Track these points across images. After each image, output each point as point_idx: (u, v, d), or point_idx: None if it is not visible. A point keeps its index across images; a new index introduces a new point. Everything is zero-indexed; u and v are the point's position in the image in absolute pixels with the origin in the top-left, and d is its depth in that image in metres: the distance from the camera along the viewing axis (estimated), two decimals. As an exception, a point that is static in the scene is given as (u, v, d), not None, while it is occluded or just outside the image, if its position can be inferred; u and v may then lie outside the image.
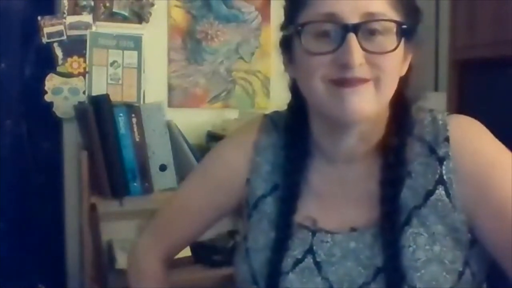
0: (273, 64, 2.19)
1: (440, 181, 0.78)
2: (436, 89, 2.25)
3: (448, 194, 0.77)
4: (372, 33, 0.73)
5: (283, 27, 0.82)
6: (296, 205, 0.84)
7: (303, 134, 0.86)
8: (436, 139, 0.79)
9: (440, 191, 0.77)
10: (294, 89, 0.85)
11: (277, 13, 2.16)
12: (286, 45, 0.81)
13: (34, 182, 1.97)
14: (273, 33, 2.19)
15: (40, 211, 1.97)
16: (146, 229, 1.06)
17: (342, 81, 0.73)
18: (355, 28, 0.71)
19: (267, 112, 0.97)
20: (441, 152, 0.78)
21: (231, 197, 0.94)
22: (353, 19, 0.72)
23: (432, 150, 0.79)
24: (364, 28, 0.72)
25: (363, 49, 0.72)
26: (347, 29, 0.71)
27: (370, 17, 0.72)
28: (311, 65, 0.75)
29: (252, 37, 2.19)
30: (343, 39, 0.72)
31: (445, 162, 0.78)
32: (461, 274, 0.76)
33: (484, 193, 0.76)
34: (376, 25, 0.73)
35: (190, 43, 2.09)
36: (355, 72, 0.72)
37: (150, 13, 1.99)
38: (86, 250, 1.73)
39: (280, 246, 0.82)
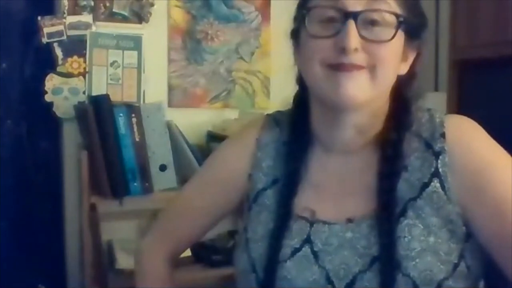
0: (273, 64, 2.19)
1: (436, 174, 0.80)
2: (436, 89, 2.25)
3: (443, 187, 0.79)
4: (373, 23, 0.77)
5: (295, 19, 0.86)
6: (295, 197, 0.86)
7: (304, 126, 0.89)
8: (433, 135, 0.82)
9: (435, 183, 0.80)
10: (301, 81, 0.88)
11: (277, 13, 2.20)
12: (296, 36, 0.85)
13: (34, 182, 1.97)
14: (273, 33, 2.19)
15: (40, 211, 1.97)
16: (151, 229, 1.08)
17: (339, 66, 0.77)
18: (355, 16, 0.76)
19: (267, 112, 1.00)
20: (437, 147, 0.81)
21: (234, 195, 0.97)
22: (356, 7, 0.76)
23: (429, 146, 0.82)
24: (365, 17, 0.76)
25: (361, 36, 0.76)
26: (347, 15, 0.76)
27: (374, 5, 0.76)
28: (312, 48, 0.79)
29: (252, 37, 2.19)
30: (343, 25, 0.76)
31: (440, 156, 0.80)
32: (455, 266, 0.78)
33: (479, 189, 0.78)
34: (377, 16, 0.77)
35: (190, 43, 2.09)
36: (351, 58, 0.76)
37: (150, 13, 1.99)
38: (86, 250, 1.73)
39: (278, 235, 0.84)
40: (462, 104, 2.17)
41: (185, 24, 2.08)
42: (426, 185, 0.80)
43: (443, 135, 0.81)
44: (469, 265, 0.79)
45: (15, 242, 1.94)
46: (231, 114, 2.10)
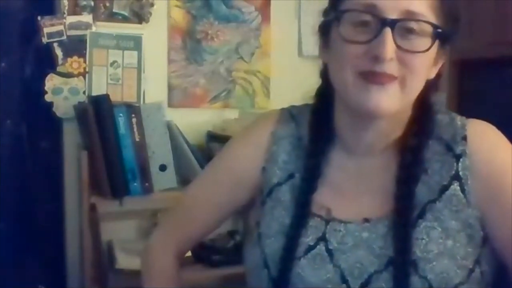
0: (273, 64, 2.19)
1: (456, 177, 0.79)
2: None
3: (463, 190, 0.79)
4: (409, 31, 0.75)
5: (325, 12, 0.84)
6: (312, 195, 0.85)
7: (326, 123, 0.88)
8: (454, 138, 0.81)
9: (455, 186, 0.79)
10: (325, 75, 0.86)
11: (277, 13, 2.20)
12: (325, 30, 0.83)
13: (34, 182, 1.97)
14: (273, 33, 2.19)
15: (40, 211, 1.97)
16: (159, 226, 1.07)
17: (371, 75, 0.74)
18: (393, 23, 0.73)
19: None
20: (458, 149, 0.80)
21: (247, 191, 0.95)
22: (392, 15, 0.73)
23: (449, 148, 0.81)
24: (401, 25, 0.74)
25: (397, 45, 0.74)
26: (384, 22, 0.73)
27: (410, 15, 0.74)
28: (345, 53, 0.77)
29: (252, 37, 2.18)
30: (379, 32, 0.73)
31: (461, 159, 0.80)
32: (471, 272, 0.77)
33: (497, 193, 0.78)
34: (413, 25, 0.75)
35: (190, 43, 2.09)
36: (385, 67, 0.74)
37: (150, 13, 1.99)
38: (86, 250, 1.73)
39: (294, 233, 0.83)
40: (462, 104, 2.17)
41: (185, 24, 2.08)
42: (445, 188, 0.79)
43: (464, 138, 0.80)
44: (483, 271, 0.79)
45: (15, 242, 1.94)
46: (231, 114, 2.09)
